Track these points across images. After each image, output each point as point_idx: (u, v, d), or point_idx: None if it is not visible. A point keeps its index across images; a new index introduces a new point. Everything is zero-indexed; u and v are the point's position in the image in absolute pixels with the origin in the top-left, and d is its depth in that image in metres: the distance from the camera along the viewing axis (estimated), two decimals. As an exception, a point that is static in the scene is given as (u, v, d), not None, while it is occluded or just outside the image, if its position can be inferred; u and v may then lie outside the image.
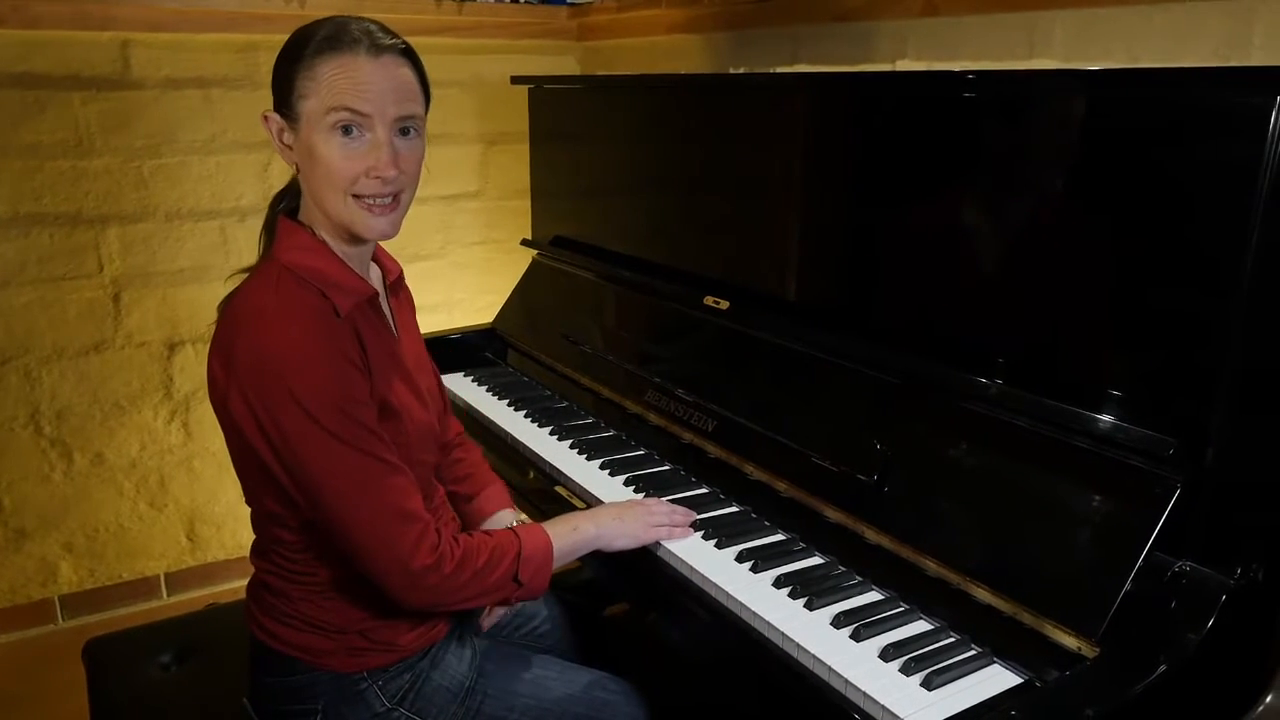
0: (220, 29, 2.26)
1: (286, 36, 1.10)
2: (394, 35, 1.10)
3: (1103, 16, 1.44)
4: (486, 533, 1.18)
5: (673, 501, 1.38)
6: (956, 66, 1.66)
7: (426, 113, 1.15)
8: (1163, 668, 0.94)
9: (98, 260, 2.26)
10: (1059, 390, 1.11)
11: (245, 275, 1.15)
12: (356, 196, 1.09)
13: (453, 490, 1.41)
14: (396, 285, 1.30)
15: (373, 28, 1.08)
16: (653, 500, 1.36)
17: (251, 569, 1.22)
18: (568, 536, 1.23)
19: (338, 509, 1.06)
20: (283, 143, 1.12)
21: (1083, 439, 1.08)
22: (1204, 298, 0.99)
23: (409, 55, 1.11)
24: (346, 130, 1.06)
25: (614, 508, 1.31)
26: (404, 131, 1.10)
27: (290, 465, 1.05)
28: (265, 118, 1.12)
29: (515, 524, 1.33)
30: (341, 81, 1.05)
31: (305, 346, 1.04)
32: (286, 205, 1.18)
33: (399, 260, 1.33)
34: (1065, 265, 1.13)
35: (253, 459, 1.09)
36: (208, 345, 2.18)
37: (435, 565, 1.09)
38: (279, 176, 2.39)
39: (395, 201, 1.11)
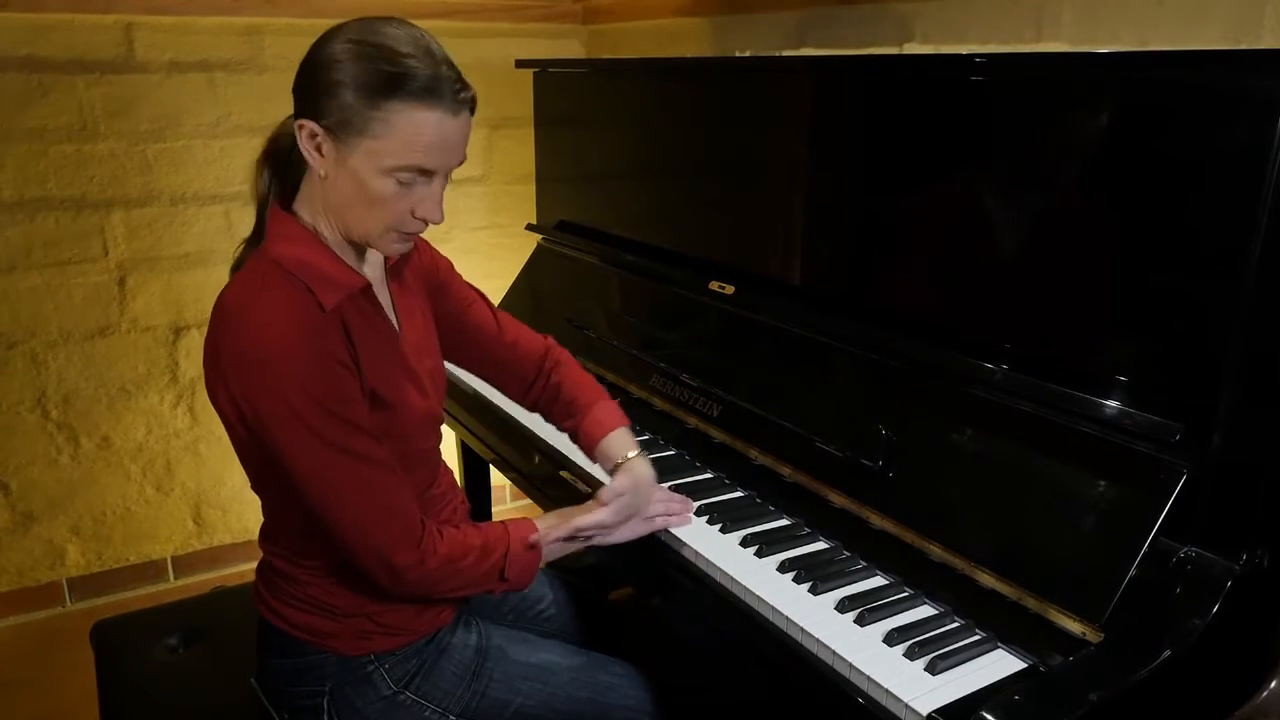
0: (224, 12, 2.25)
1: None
2: (466, 84, 1.04)
3: (1112, -1, 1.43)
4: (477, 527, 1.18)
5: (677, 486, 1.39)
6: (964, 49, 1.65)
7: None
8: (1167, 653, 0.94)
9: (103, 244, 2.26)
10: (1065, 375, 1.11)
11: (239, 252, 1.14)
12: (396, 230, 1.08)
13: (559, 425, 1.41)
14: (399, 267, 1.26)
15: (451, 75, 1.02)
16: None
17: (257, 552, 1.23)
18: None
19: (323, 505, 1.06)
20: (316, 151, 1.04)
21: (1088, 424, 1.07)
22: (1211, 282, 0.99)
23: (474, 105, 1.07)
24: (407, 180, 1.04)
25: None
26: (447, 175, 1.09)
27: (276, 461, 1.05)
28: (301, 126, 1.04)
29: (627, 453, 1.30)
30: (423, 139, 1.01)
31: (287, 346, 1.03)
32: (275, 190, 1.14)
33: None
34: (1071, 249, 1.13)
35: (249, 449, 1.10)
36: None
37: (418, 562, 1.09)
38: (283, 161, 2.39)
39: None
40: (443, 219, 1.08)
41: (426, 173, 1.04)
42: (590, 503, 1.27)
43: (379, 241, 1.09)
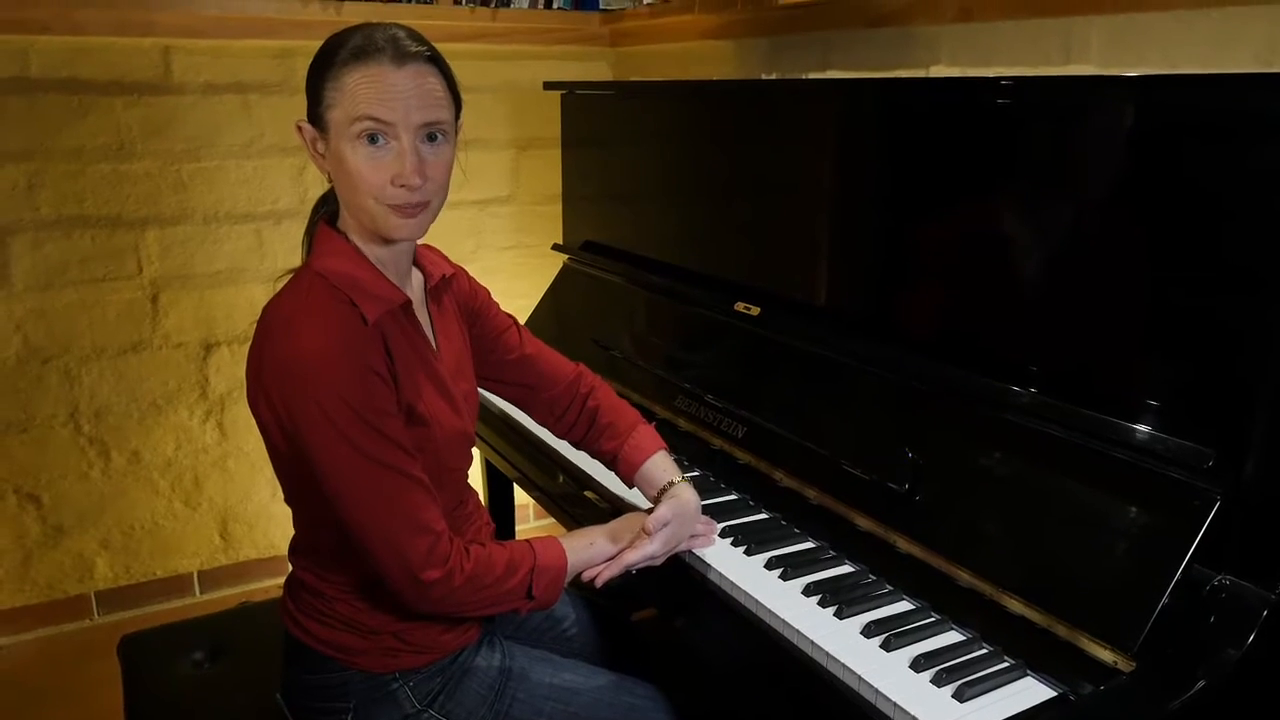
0: (258, 35, 2.29)
1: (322, 42, 1.11)
2: (420, 42, 1.10)
3: (1140, 22, 1.42)
4: (502, 545, 1.18)
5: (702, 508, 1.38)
6: (991, 73, 1.65)
7: (457, 119, 1.15)
8: (1201, 683, 0.92)
9: (137, 262, 2.30)
10: (1095, 400, 1.10)
11: (289, 276, 1.17)
12: (385, 205, 1.10)
13: (596, 450, 1.40)
14: (439, 290, 1.29)
15: (400, 35, 1.08)
16: None
17: (283, 567, 1.24)
18: (583, 551, 1.22)
19: (353, 516, 1.07)
20: (316, 151, 1.13)
21: (1119, 450, 1.06)
22: (1243, 306, 0.98)
23: (435, 62, 1.11)
24: (372, 139, 1.07)
25: (634, 521, 1.28)
26: (430, 138, 1.10)
27: (310, 469, 1.07)
28: (299, 128, 1.13)
29: (671, 479, 1.31)
30: (365, 91, 1.05)
31: (328, 355, 1.05)
32: (326, 211, 1.20)
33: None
34: (1101, 273, 1.12)
35: (286, 461, 1.11)
36: (243, 346, 2.21)
37: (444, 578, 1.10)
38: (314, 180, 2.43)
39: (423, 206, 1.12)
40: (421, 179, 1.08)
41: (384, 124, 1.06)
42: (614, 522, 1.27)
43: (383, 224, 1.11)
